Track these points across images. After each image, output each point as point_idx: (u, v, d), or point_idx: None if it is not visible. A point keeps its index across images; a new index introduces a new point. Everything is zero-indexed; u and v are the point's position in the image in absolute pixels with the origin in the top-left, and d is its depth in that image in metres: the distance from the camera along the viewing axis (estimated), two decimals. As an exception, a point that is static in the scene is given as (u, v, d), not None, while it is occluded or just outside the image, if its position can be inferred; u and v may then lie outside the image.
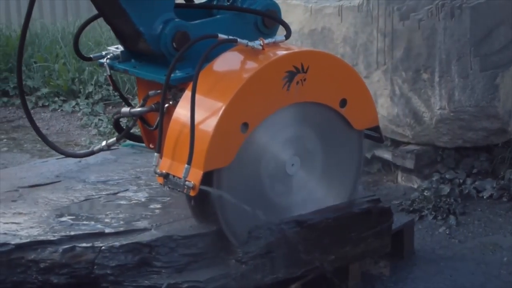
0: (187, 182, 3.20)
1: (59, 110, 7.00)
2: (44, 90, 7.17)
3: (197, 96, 3.20)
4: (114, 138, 3.70)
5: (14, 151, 6.07)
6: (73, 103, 6.99)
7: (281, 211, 3.53)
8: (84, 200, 3.77)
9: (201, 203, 3.37)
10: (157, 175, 3.32)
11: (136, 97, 4.62)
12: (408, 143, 5.01)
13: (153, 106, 3.53)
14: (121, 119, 3.81)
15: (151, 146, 3.75)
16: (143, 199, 3.76)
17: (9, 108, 7.11)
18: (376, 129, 3.75)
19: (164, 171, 3.29)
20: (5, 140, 6.34)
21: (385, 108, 4.96)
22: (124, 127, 3.71)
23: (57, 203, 3.72)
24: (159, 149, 3.33)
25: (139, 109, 3.58)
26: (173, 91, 3.47)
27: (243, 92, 3.28)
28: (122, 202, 3.75)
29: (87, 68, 7.02)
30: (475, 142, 4.85)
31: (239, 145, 3.30)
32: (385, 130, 5.03)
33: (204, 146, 3.21)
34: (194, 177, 3.20)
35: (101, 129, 6.37)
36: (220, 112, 3.23)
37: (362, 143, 3.76)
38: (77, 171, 4.12)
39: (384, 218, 3.80)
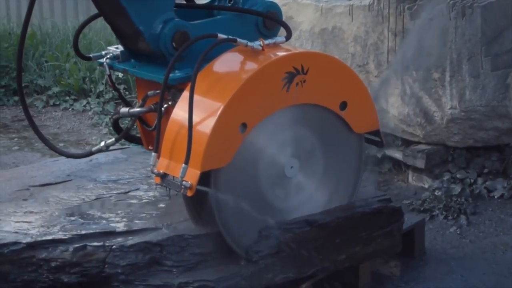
0: (184, 182, 3.17)
1: (70, 109, 7.01)
2: (55, 89, 7.19)
3: (195, 96, 3.18)
4: (113, 139, 3.67)
5: (25, 150, 6.08)
6: (84, 102, 7.01)
7: (279, 213, 3.50)
8: (95, 199, 3.78)
9: (199, 204, 3.35)
10: (154, 175, 3.30)
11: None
12: (419, 143, 5.00)
13: (152, 106, 3.50)
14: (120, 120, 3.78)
15: (150, 147, 3.73)
16: (153, 198, 3.76)
17: (20, 107, 7.09)
18: (377, 133, 3.72)
19: (161, 171, 3.27)
20: (16, 139, 6.35)
21: (395, 108, 4.95)
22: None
23: (68, 202, 3.73)
24: (156, 149, 3.31)
25: (138, 109, 3.55)
26: (172, 92, 3.45)
27: (242, 93, 3.26)
28: (133, 201, 3.75)
29: (98, 67, 7.03)
30: (486, 142, 4.84)
31: (238, 146, 3.28)
32: (395, 130, 5.03)
33: (201, 146, 3.18)
34: (191, 177, 3.18)
35: (111, 128, 6.37)
36: (218, 112, 3.21)
37: (363, 146, 3.73)
38: (88, 170, 4.13)
39: (394, 217, 3.79)
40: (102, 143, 3.66)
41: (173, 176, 3.23)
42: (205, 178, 3.23)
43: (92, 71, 7.08)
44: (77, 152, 3.94)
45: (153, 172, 3.29)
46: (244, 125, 3.27)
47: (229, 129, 3.25)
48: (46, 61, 7.46)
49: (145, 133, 3.75)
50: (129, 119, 3.72)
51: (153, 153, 3.32)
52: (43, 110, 7.04)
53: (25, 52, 7.63)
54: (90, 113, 6.85)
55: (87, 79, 7.07)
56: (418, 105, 4.86)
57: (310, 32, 5.25)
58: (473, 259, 4.18)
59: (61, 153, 3.76)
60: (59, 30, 8.19)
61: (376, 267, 3.96)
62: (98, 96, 6.98)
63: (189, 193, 3.19)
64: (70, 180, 4.02)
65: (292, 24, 5.35)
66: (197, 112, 3.19)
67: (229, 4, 3.65)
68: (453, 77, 4.69)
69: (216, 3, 3.70)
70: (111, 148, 3.80)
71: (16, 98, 7.23)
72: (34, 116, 6.88)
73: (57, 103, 7.12)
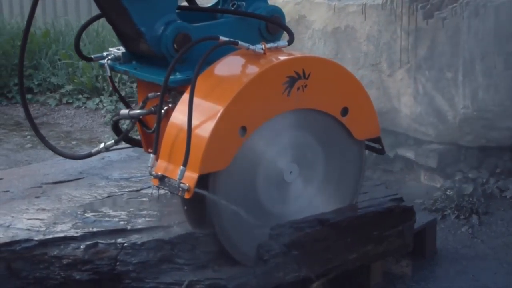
0: (181, 185, 3.14)
1: (83, 107, 7.04)
2: (68, 87, 7.22)
3: (195, 99, 3.16)
4: (113, 141, 3.66)
5: (38, 147, 6.10)
6: (97, 100, 7.03)
7: (277, 219, 3.46)
8: (107, 197, 3.79)
9: (196, 207, 3.33)
10: (152, 177, 3.28)
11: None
12: (431, 142, 4.99)
13: (152, 108, 3.47)
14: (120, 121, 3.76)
15: (149, 150, 3.70)
16: (165, 196, 3.76)
17: (33, 105, 7.16)
18: (378, 140, 3.69)
19: (159, 173, 3.25)
20: (29, 136, 6.38)
21: (408, 107, 4.94)
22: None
23: (80, 200, 3.75)
24: (155, 151, 3.30)
25: (138, 111, 3.53)
26: (173, 94, 3.43)
27: (242, 96, 3.23)
28: (144, 199, 3.76)
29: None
30: (499, 142, 4.82)
31: (237, 149, 3.25)
32: (408, 129, 5.02)
33: (200, 149, 3.15)
34: (189, 180, 3.15)
35: (124, 126, 6.38)
36: (218, 115, 3.18)
37: (363, 153, 3.69)
38: (100, 168, 4.15)
39: (406, 217, 3.79)
40: (102, 145, 3.65)
41: (171, 179, 3.22)
42: (203, 181, 3.20)
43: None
44: (77, 154, 3.92)
45: (151, 174, 3.27)
46: (243, 129, 3.24)
47: (228, 133, 3.22)
48: (59, 59, 7.49)
49: (145, 135, 3.72)
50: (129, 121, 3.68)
51: (151, 155, 3.30)
52: (56, 108, 7.07)
53: (39, 50, 7.68)
54: (102, 111, 6.88)
55: (100, 77, 7.10)
56: (430, 104, 4.85)
57: (322, 31, 5.25)
58: (484, 259, 4.18)
59: (61, 154, 3.73)
60: (72, 29, 8.21)
61: (388, 267, 3.96)
62: (110, 95, 7.00)
63: (186, 196, 3.16)
64: (83, 177, 4.04)
65: (305, 23, 5.35)
66: (196, 115, 3.17)
67: (232, 8, 3.64)
68: (466, 76, 4.68)
69: (219, 6, 3.69)
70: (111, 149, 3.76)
71: (29, 96, 7.27)
72: (47, 114, 6.93)
73: (70, 101, 7.16)
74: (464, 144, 4.88)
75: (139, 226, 3.46)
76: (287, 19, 5.22)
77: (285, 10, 5.25)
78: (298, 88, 3.35)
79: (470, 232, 4.46)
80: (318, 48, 5.28)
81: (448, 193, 4.73)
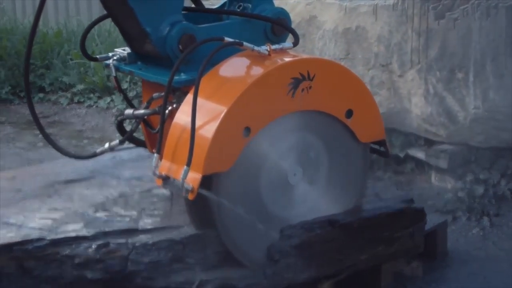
0: (185, 185, 3.16)
1: (94, 107, 7.05)
2: (80, 87, 7.24)
3: (199, 99, 3.17)
4: (117, 141, 3.67)
5: (49, 146, 6.06)
6: (108, 99, 7.05)
7: (280, 221, 3.46)
8: (118, 197, 3.80)
9: (200, 208, 3.34)
10: (155, 177, 3.29)
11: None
12: (442, 143, 4.98)
13: (156, 108, 3.49)
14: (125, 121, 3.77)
15: (153, 150, 3.71)
16: (177, 196, 3.77)
17: (45, 103, 7.18)
18: (382, 143, 3.69)
19: (163, 173, 3.26)
20: (41, 135, 6.36)
21: (419, 107, 4.94)
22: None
23: (91, 199, 3.75)
24: (159, 150, 3.30)
25: (142, 111, 3.54)
26: (177, 94, 3.44)
27: (246, 97, 3.23)
28: (155, 199, 3.77)
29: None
30: (510, 143, 4.81)
31: (241, 150, 3.25)
32: (418, 129, 5.02)
33: (204, 149, 3.16)
34: (193, 180, 3.16)
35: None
36: (222, 116, 3.18)
37: (367, 156, 3.69)
38: (111, 167, 4.15)
39: (417, 218, 3.79)
40: (107, 145, 3.66)
41: (175, 179, 3.22)
42: (207, 182, 3.21)
43: (117, 69, 7.11)
44: (82, 154, 3.94)
45: (154, 174, 3.29)
46: (247, 130, 3.25)
47: (232, 133, 3.22)
48: (71, 59, 7.51)
49: (149, 136, 3.74)
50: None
51: (155, 155, 3.31)
52: (67, 107, 7.08)
53: (51, 50, 7.70)
54: (114, 110, 6.89)
55: (111, 77, 7.10)
56: (441, 105, 4.84)
57: (333, 32, 5.25)
58: (496, 261, 4.17)
59: (66, 154, 3.75)
60: (84, 29, 8.21)
61: (398, 268, 3.96)
62: (122, 94, 7.01)
63: (190, 196, 3.18)
64: (94, 177, 4.04)
65: (316, 23, 5.35)
66: (200, 115, 3.17)
67: (238, 9, 3.64)
68: (477, 77, 4.68)
69: (225, 8, 3.70)
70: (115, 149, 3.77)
71: (41, 95, 7.29)
72: (59, 113, 6.95)
73: (82, 100, 7.17)
74: (475, 145, 4.87)
75: (150, 226, 3.47)
76: (298, 19, 5.25)
77: (296, 11, 5.29)
78: (303, 90, 3.35)
79: (481, 234, 4.45)
80: (328, 49, 5.28)
81: (459, 194, 4.73)
